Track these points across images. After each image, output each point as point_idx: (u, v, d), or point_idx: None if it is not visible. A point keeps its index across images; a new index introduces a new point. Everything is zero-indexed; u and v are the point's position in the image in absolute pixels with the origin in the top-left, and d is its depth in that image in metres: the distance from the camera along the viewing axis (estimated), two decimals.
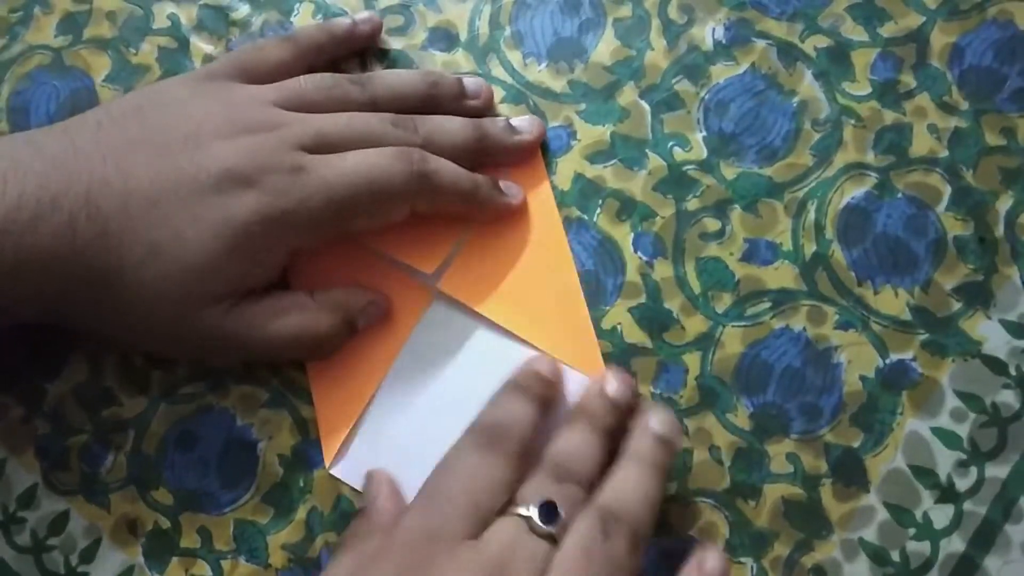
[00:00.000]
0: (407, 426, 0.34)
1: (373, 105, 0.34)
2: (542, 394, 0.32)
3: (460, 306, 0.35)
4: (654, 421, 0.31)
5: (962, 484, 0.33)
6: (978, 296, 0.35)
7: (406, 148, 0.33)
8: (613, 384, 0.32)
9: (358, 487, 0.33)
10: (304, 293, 0.34)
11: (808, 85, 0.37)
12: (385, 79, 0.35)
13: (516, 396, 0.31)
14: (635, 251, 0.36)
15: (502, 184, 0.35)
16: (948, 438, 0.33)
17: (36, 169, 0.30)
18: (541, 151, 0.37)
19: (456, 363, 0.35)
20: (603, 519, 0.28)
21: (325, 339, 0.34)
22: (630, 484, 0.29)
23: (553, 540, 0.28)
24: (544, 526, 0.28)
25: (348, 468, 0.34)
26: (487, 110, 0.37)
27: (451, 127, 0.35)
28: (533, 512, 0.28)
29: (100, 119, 0.32)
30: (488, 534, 0.28)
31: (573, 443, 0.31)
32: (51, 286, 0.30)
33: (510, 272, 0.35)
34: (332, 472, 0.34)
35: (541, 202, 0.36)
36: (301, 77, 0.34)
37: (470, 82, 0.37)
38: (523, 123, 0.36)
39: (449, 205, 0.34)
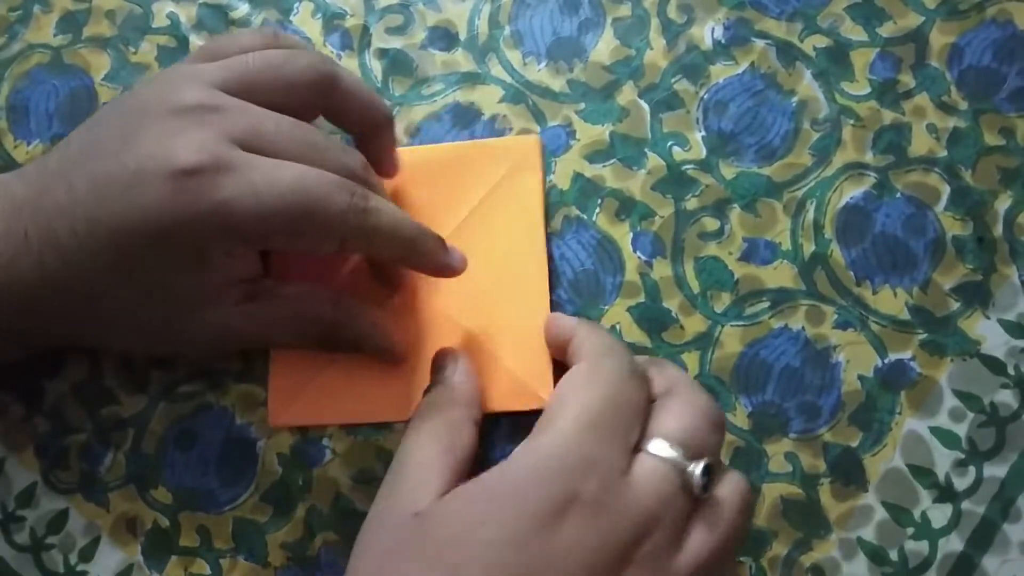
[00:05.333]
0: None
1: (327, 93, 0.32)
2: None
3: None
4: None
5: (960, 484, 0.33)
6: (977, 296, 0.35)
7: (350, 173, 0.30)
8: None
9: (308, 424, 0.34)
10: (303, 302, 0.33)
11: (807, 85, 0.37)
12: (351, 77, 0.33)
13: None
14: (634, 250, 0.36)
15: (449, 245, 0.32)
16: (946, 438, 0.33)
17: (17, 199, 0.30)
18: (540, 151, 0.37)
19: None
20: (745, 489, 0.28)
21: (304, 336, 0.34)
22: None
23: (693, 498, 0.27)
24: (702, 488, 0.26)
25: (294, 415, 0.34)
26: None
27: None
28: (696, 469, 0.26)
29: (70, 136, 0.31)
30: (638, 475, 0.26)
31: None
32: (45, 316, 0.31)
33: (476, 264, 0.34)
34: (276, 424, 0.34)
35: (527, 201, 0.36)
36: (250, 54, 0.31)
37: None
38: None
39: (384, 251, 0.31)
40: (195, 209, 0.28)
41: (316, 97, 0.32)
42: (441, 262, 0.32)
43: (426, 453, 0.29)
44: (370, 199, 0.30)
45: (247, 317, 0.32)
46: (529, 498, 0.25)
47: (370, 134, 0.34)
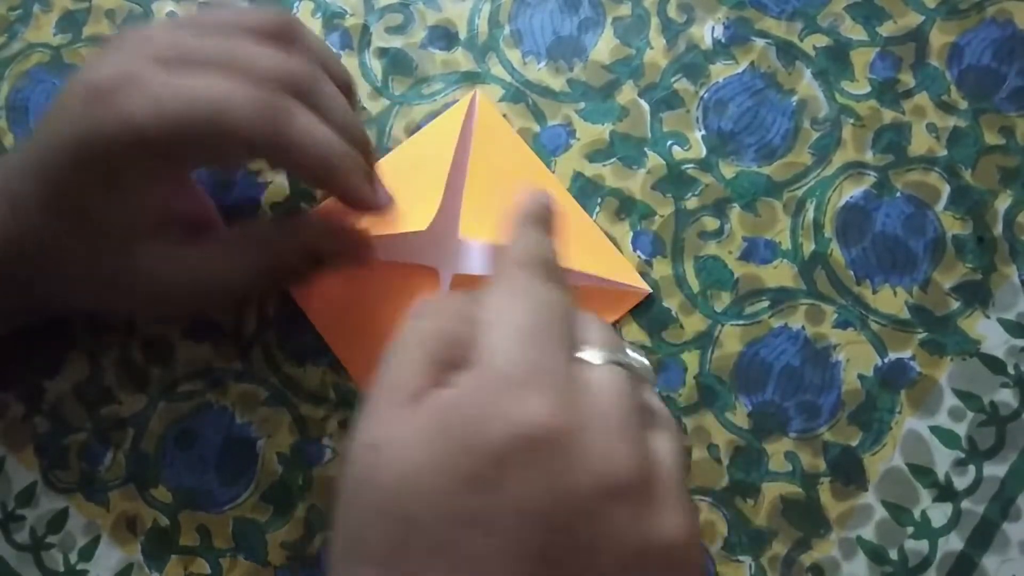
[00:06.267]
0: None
1: (285, 40, 0.31)
2: (552, 228, 0.28)
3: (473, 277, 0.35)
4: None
5: (960, 483, 0.33)
6: (976, 295, 0.35)
7: (275, 84, 0.29)
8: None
9: None
10: (246, 227, 0.33)
11: (807, 84, 0.37)
12: (314, 36, 0.33)
13: (540, 229, 0.27)
14: (634, 250, 0.36)
15: (378, 184, 0.32)
16: (946, 437, 0.34)
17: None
18: (540, 150, 0.37)
19: None
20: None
21: (277, 276, 0.33)
22: None
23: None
24: (651, 372, 0.26)
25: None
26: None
27: (337, 96, 0.31)
28: (634, 355, 0.25)
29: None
30: (589, 381, 0.24)
31: None
32: (14, 277, 0.30)
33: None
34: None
35: (515, 153, 0.37)
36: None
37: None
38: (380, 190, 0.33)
39: (301, 169, 0.30)
40: (102, 123, 0.28)
41: (269, 41, 0.31)
42: (362, 194, 0.31)
43: (405, 364, 0.25)
44: (293, 113, 0.29)
45: (179, 262, 0.31)
46: (472, 435, 0.22)
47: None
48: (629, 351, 0.26)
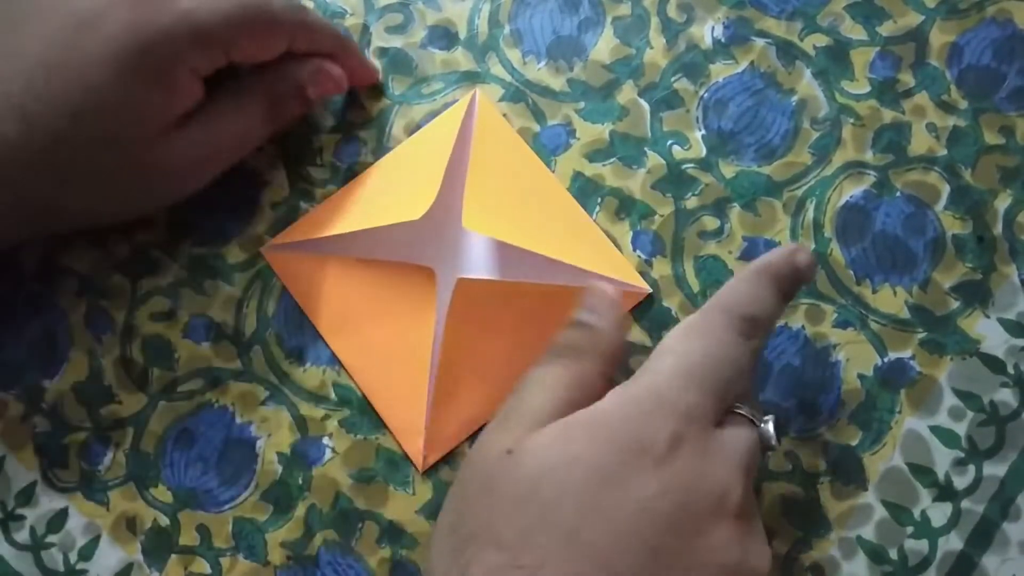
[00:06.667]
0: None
1: None
2: (788, 290, 0.30)
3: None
4: None
5: (960, 482, 0.33)
6: (976, 295, 0.35)
7: None
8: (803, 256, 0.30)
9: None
10: (232, 87, 0.34)
11: (807, 84, 0.37)
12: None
13: (770, 286, 0.30)
14: (634, 249, 0.36)
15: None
16: (946, 436, 0.34)
17: None
18: (540, 150, 0.37)
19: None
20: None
21: (277, 119, 0.35)
22: None
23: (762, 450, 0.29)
24: (774, 443, 0.29)
25: (436, 452, 0.34)
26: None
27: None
28: (768, 426, 0.29)
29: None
30: (728, 430, 0.28)
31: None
32: (10, 185, 0.31)
33: (514, 225, 0.35)
34: (427, 472, 0.34)
35: (515, 152, 0.37)
36: None
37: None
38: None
39: (324, 43, 0.35)
40: (162, 22, 0.30)
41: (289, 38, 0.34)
42: (364, 60, 0.37)
43: (542, 399, 0.28)
44: (307, 8, 0.34)
45: (186, 140, 0.33)
46: (620, 435, 0.26)
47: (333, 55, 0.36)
48: (768, 422, 0.29)
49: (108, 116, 0.30)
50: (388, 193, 0.36)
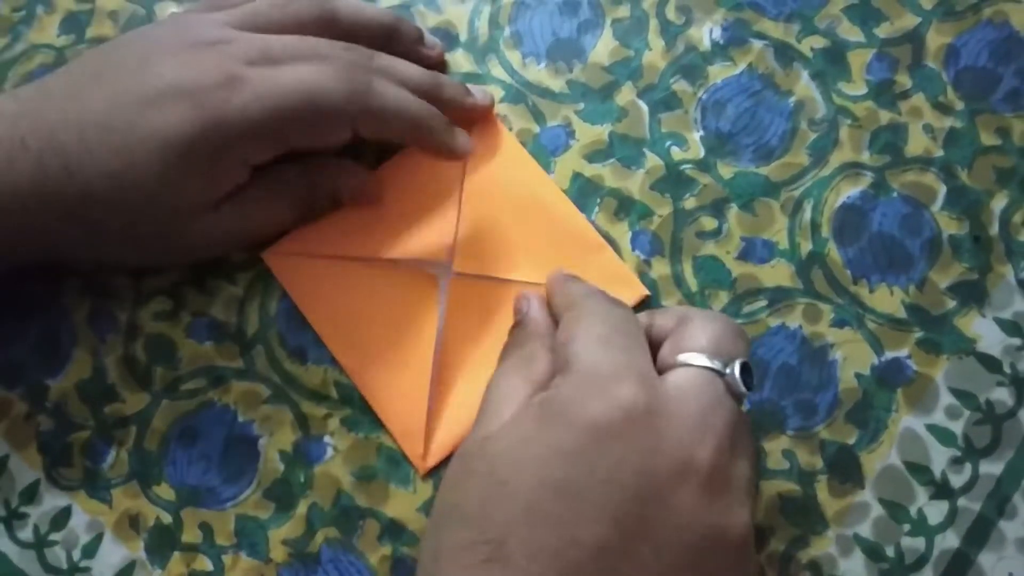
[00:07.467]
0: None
1: (331, 26, 0.34)
2: None
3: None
4: None
5: (956, 481, 0.33)
6: (972, 294, 0.35)
7: (351, 65, 0.33)
8: None
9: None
10: (273, 174, 0.34)
11: (804, 85, 0.37)
12: (349, 4, 0.35)
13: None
14: (633, 249, 0.36)
15: (456, 129, 0.35)
16: (943, 435, 0.34)
17: (8, 112, 0.31)
18: (539, 151, 0.37)
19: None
20: None
21: (308, 214, 0.36)
22: None
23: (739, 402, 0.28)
24: (743, 388, 0.28)
25: (436, 455, 0.34)
26: (439, 66, 0.38)
27: (407, 67, 0.35)
28: (734, 370, 0.28)
29: (71, 64, 0.33)
30: (676, 383, 0.27)
31: None
32: (34, 222, 0.31)
33: (512, 228, 0.36)
34: (426, 476, 0.34)
35: (512, 156, 0.37)
36: (257, 0, 0.35)
37: (428, 36, 0.38)
38: (476, 90, 0.37)
39: (395, 131, 0.34)
40: (216, 118, 0.31)
41: (321, 30, 0.34)
42: (446, 141, 0.35)
43: (505, 385, 0.29)
44: (373, 83, 0.33)
45: (216, 221, 0.33)
46: (573, 414, 0.26)
47: (385, 43, 0.36)
48: (732, 368, 0.28)
49: (145, 191, 0.31)
50: (389, 199, 0.36)
